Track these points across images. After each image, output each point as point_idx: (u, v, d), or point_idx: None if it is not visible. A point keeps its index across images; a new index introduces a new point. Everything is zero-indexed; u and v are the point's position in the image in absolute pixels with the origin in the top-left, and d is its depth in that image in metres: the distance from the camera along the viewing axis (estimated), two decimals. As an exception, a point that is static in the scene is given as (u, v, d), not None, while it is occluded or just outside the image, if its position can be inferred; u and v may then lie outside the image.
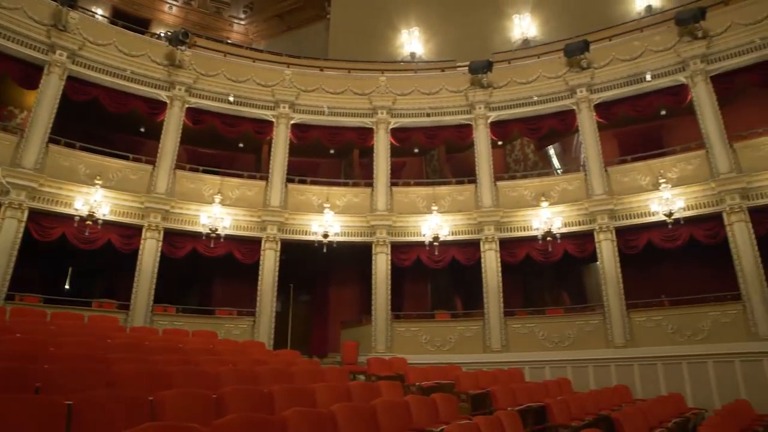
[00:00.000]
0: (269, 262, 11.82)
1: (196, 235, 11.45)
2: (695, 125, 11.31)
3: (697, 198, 10.84)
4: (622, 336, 10.67)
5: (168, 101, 12.18)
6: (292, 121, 13.07)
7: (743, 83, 11.42)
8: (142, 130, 13.19)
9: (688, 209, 10.73)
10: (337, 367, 9.50)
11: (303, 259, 12.72)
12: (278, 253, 11.96)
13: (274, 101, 12.97)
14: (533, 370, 10.74)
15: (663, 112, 12.67)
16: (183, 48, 12.18)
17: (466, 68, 13.21)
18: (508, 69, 13.43)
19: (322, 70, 14.07)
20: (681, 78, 11.64)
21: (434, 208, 12.19)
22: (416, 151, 14.79)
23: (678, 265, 11.95)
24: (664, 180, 10.95)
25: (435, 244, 11.72)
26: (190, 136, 12.74)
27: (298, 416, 3.78)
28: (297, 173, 13.21)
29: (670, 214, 10.53)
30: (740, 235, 10.26)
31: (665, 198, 10.72)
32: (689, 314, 10.44)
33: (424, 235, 11.90)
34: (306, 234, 12.20)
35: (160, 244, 11.25)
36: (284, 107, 12.97)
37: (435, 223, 11.93)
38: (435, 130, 13.50)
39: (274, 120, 12.97)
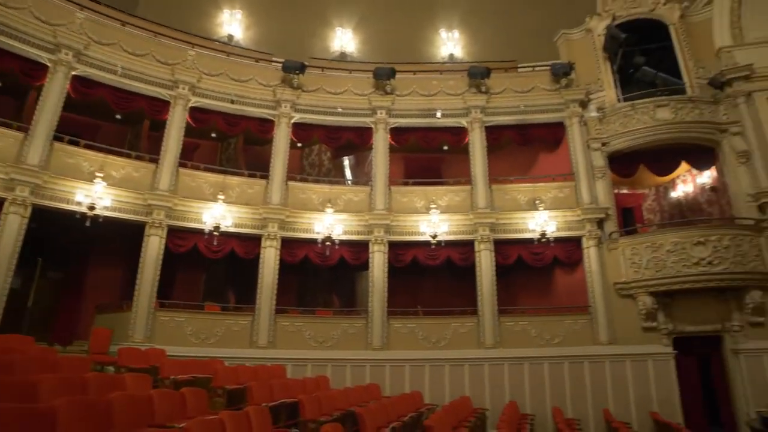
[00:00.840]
0: (11, 227, 9.89)
1: None
2: (467, 164, 13.15)
3: (458, 225, 12.53)
4: (380, 340, 11.70)
5: None
6: (75, 72, 11.24)
7: (507, 138, 13.69)
8: None
9: (450, 234, 12.35)
10: (81, 357, 8.43)
11: (59, 232, 11.05)
12: (25, 220, 10.09)
13: (55, 43, 11.06)
14: (296, 367, 11.06)
15: (445, 147, 14.42)
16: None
17: (281, 65, 13.20)
18: (321, 76, 13.85)
19: (123, 24, 12.52)
20: (463, 122, 13.47)
21: (221, 197, 11.80)
22: (214, 135, 14.14)
23: (437, 281, 13.82)
24: (435, 206, 12.49)
25: (215, 234, 11.32)
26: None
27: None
28: (71, 132, 11.35)
29: (435, 236, 12.02)
30: (485, 261, 12.21)
31: (434, 221, 12.21)
32: (438, 324, 11.98)
33: (205, 223, 11.39)
34: (68, 203, 10.51)
35: None
36: (66, 53, 11.14)
37: (219, 213, 11.55)
38: (237, 119, 13.10)
39: (50, 65, 11.01)
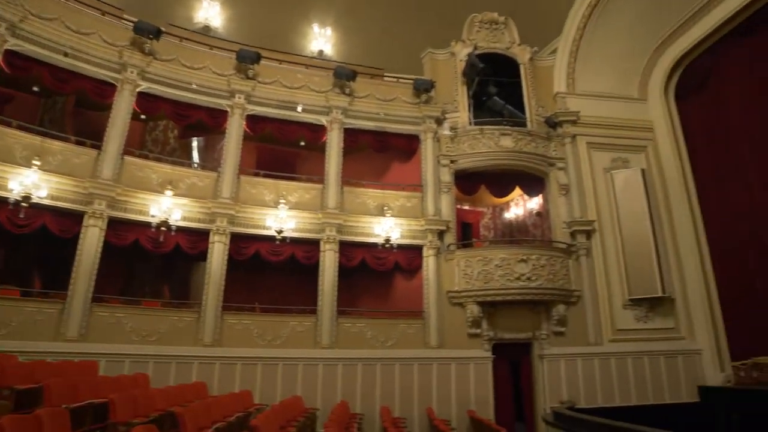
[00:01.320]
0: None
1: None
2: (322, 163, 13.05)
3: (306, 223, 12.35)
4: (211, 335, 11.01)
5: None
6: None
7: (365, 142, 13.90)
8: None
9: (297, 231, 12.12)
10: None
11: None
12: None
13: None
14: (112, 363, 9.89)
15: (302, 143, 14.20)
16: None
17: (132, 25, 11.78)
18: (178, 46, 12.70)
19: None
20: (323, 120, 13.36)
21: (37, 162, 10.00)
22: (36, 89, 12.11)
23: (278, 277, 13.46)
24: (284, 201, 12.17)
25: (24, 205, 9.52)
26: None
27: None
28: None
29: (280, 231, 11.69)
30: (329, 262, 12.20)
31: (281, 216, 11.88)
32: (275, 321, 11.65)
33: (11, 191, 9.53)
34: None
35: None
36: None
37: (32, 181, 9.81)
38: (70, 75, 11.24)
39: None
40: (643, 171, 13.87)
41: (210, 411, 7.79)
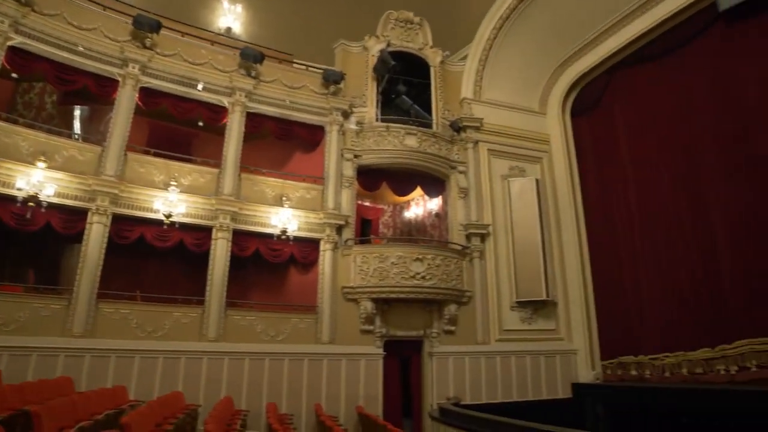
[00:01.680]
0: None
1: None
2: (221, 146, 12.36)
3: (198, 208, 11.64)
4: (83, 325, 9.99)
5: None
6: None
7: (268, 129, 13.36)
8: None
9: (188, 216, 11.41)
10: None
11: None
12: None
13: None
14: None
15: (200, 123, 13.37)
16: None
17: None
18: (65, 2, 11.24)
19: None
20: (225, 101, 12.66)
21: None
22: None
23: (165, 265, 12.58)
24: (176, 183, 11.37)
25: None
26: None
27: None
28: None
29: (169, 216, 10.92)
30: (221, 251, 11.57)
31: (171, 200, 11.09)
32: (157, 312, 10.85)
33: None
34: None
35: None
36: None
37: None
38: None
39: None
40: (537, 181, 14.62)
41: (75, 409, 7.05)
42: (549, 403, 13.05)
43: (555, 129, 15.66)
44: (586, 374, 13.60)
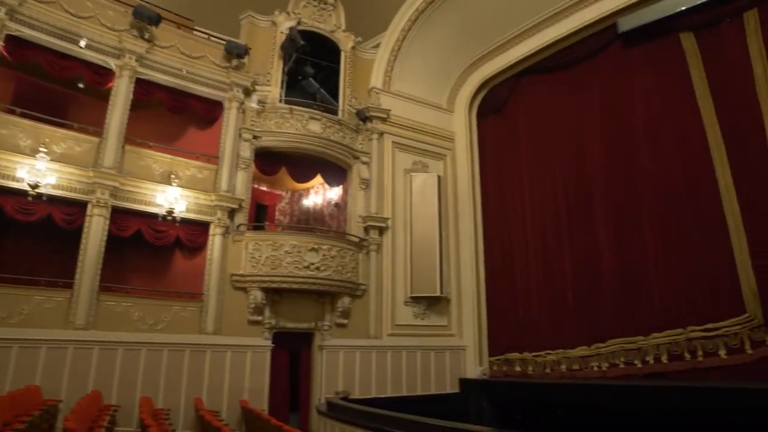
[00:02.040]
0: None
1: None
2: (104, 113, 11.13)
3: (72, 180, 10.38)
4: None
5: None
6: None
7: (159, 99, 12.22)
8: None
9: (59, 188, 10.16)
10: None
11: None
12: None
13: None
14: None
15: (81, 85, 11.99)
16: None
17: None
18: None
19: None
20: (112, 63, 11.39)
21: None
22: None
23: (28, 241, 11.11)
24: (46, 150, 10.06)
25: None
26: None
27: None
28: None
29: (35, 186, 9.65)
30: (96, 229, 10.41)
31: (38, 168, 9.79)
32: (14, 295, 9.52)
33: None
34: None
35: None
36: None
37: None
38: None
39: None
40: (439, 177, 14.76)
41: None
42: (437, 397, 13.30)
43: (461, 127, 15.91)
44: (474, 370, 14.01)
